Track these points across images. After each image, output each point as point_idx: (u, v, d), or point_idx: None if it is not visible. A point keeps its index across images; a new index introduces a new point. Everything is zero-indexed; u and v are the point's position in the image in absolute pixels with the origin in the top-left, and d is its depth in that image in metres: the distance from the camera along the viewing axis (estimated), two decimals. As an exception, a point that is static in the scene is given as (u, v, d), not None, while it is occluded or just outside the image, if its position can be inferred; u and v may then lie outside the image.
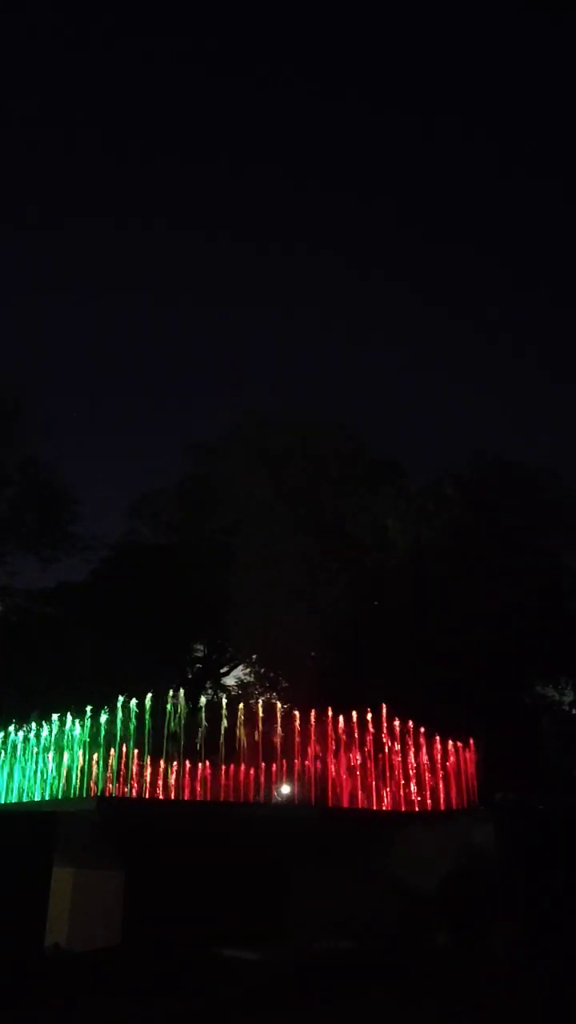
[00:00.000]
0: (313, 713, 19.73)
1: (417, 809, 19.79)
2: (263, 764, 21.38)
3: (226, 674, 41.61)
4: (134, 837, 14.19)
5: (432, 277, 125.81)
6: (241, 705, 21.55)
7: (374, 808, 19.06)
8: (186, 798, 19.67)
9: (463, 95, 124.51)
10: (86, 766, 19.61)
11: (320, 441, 37.25)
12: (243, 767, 21.30)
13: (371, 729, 19.86)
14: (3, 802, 20.59)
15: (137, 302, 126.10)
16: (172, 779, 19.88)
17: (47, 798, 19.30)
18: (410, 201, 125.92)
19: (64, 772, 19.61)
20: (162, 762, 19.70)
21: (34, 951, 12.90)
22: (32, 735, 20.72)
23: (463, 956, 13.12)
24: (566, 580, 36.87)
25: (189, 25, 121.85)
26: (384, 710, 20.33)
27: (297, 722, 19.94)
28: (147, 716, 19.46)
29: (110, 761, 19.82)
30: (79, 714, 20.07)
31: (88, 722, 19.80)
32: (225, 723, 20.49)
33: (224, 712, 20.61)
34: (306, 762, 20.04)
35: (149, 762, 19.69)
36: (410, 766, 20.24)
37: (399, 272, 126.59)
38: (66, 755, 19.67)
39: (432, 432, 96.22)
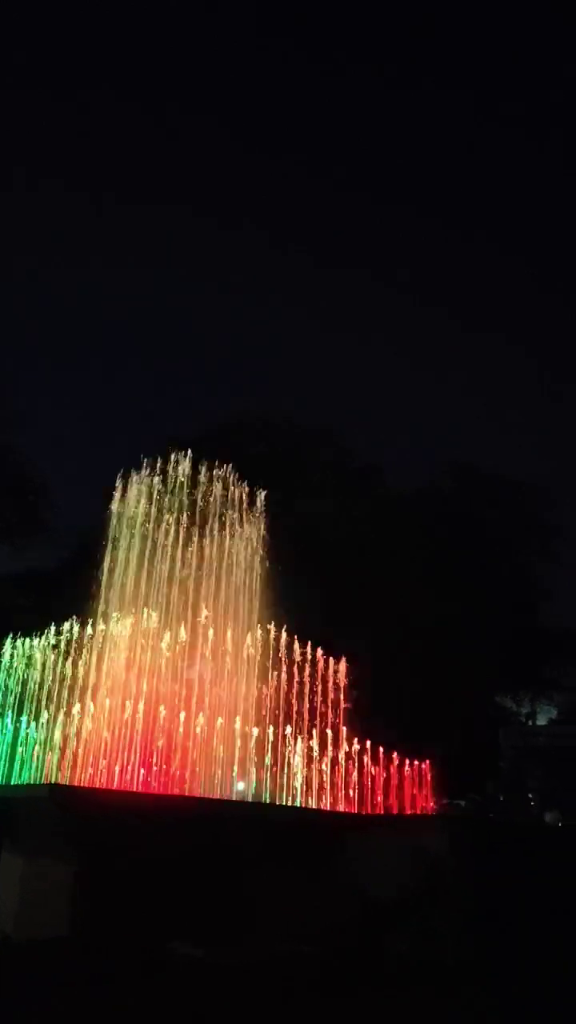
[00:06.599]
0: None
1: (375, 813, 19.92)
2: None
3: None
4: (87, 827, 14.03)
5: (423, 293, 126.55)
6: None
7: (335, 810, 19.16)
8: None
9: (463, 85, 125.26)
10: (41, 753, 19.41)
11: (302, 447, 37.30)
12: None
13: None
14: None
15: (127, 297, 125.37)
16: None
17: None
18: (402, 214, 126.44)
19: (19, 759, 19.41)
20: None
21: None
22: None
23: (416, 961, 13.18)
24: (534, 594, 37.32)
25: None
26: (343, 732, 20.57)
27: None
28: None
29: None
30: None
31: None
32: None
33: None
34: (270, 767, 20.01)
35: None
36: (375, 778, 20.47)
37: (390, 285, 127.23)
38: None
39: (415, 444, 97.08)
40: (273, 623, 21.67)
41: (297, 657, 21.10)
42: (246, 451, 37.25)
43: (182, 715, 18.66)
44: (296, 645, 21.38)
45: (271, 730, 19.74)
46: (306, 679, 21.04)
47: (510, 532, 36.87)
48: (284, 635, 21.49)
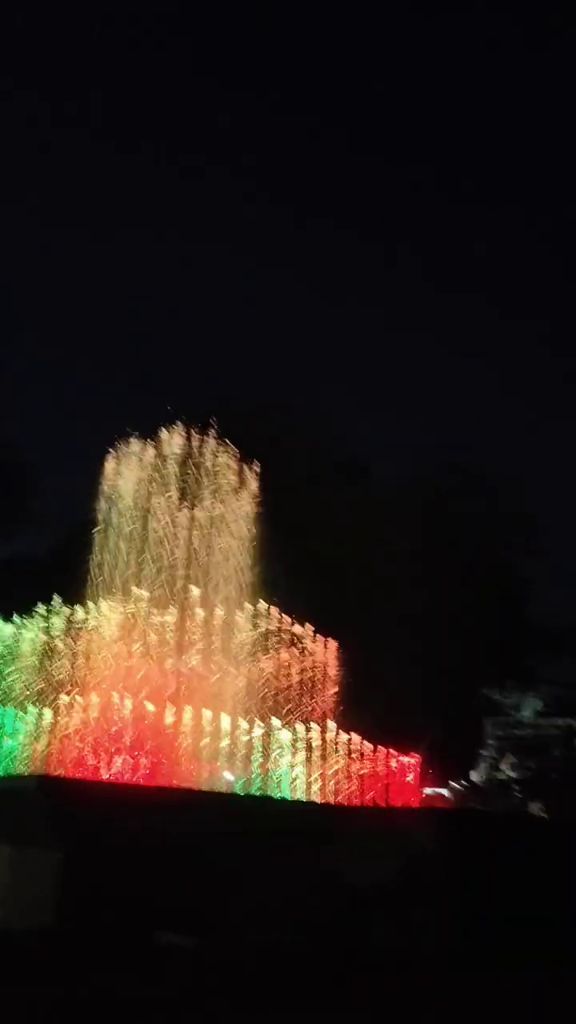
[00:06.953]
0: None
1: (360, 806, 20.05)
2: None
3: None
4: (75, 818, 14.10)
5: (413, 287, 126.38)
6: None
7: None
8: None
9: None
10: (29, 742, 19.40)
11: (297, 442, 37.38)
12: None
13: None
14: None
15: (117, 288, 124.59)
16: None
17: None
18: (392, 216, 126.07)
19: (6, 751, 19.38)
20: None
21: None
22: None
23: (395, 955, 13.31)
24: (520, 589, 37.64)
25: None
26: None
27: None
28: None
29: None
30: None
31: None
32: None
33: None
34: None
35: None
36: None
37: (381, 282, 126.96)
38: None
39: (414, 442, 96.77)
40: (263, 602, 21.72)
41: (287, 635, 21.09)
42: (242, 445, 37.35)
43: (171, 707, 18.75)
44: (287, 618, 21.38)
45: (259, 721, 19.82)
46: (297, 664, 21.06)
47: (505, 528, 37.20)
48: (276, 611, 21.50)
